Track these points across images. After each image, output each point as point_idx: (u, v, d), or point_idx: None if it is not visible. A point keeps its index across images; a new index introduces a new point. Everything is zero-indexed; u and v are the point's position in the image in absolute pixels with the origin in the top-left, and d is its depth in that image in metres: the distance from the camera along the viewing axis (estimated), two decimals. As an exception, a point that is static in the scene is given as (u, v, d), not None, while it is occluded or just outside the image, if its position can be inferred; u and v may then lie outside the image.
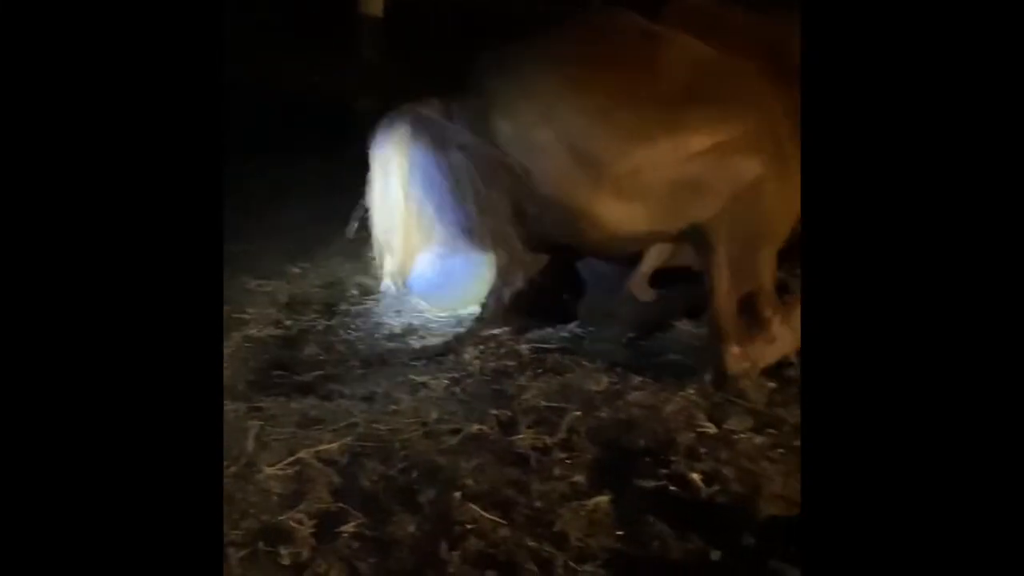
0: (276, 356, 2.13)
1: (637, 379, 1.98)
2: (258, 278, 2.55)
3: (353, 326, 2.32)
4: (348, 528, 1.44)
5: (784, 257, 2.08)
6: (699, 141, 1.88)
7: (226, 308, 2.22)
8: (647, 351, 2.13)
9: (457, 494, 1.53)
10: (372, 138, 2.07)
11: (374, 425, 1.78)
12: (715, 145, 1.88)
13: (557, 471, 1.62)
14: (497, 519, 1.46)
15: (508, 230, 2.00)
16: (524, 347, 2.18)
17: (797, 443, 1.70)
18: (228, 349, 2.08)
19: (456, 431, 1.76)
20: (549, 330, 2.25)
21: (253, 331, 2.24)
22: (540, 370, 2.05)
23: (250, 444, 1.69)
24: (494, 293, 2.17)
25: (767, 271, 1.97)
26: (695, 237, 1.98)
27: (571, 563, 1.36)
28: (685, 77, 1.92)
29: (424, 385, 1.98)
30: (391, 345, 2.21)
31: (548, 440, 1.72)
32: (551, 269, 2.23)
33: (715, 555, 1.37)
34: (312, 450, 1.67)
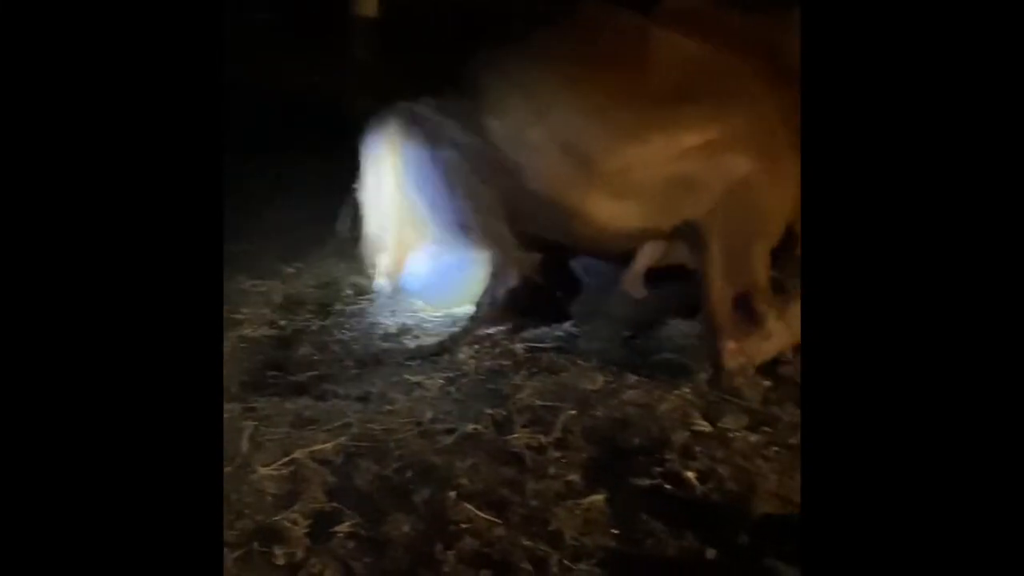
0: (270, 356, 2.12)
1: (632, 378, 1.98)
2: (253, 278, 2.55)
3: (348, 326, 2.32)
4: (343, 528, 1.44)
5: (777, 257, 2.09)
6: (690, 138, 1.89)
7: (221, 308, 2.22)
8: (642, 350, 2.13)
9: (452, 493, 1.52)
10: (365, 136, 2.07)
11: (369, 425, 1.78)
12: (706, 142, 1.89)
13: (552, 470, 1.61)
14: (492, 518, 1.46)
15: (501, 227, 2.01)
16: (519, 346, 2.18)
17: (792, 441, 1.71)
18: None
19: (451, 431, 1.76)
20: (544, 329, 2.25)
21: (247, 331, 2.24)
22: (535, 369, 2.05)
23: (244, 444, 1.68)
24: (488, 291, 2.17)
25: (761, 267, 1.97)
26: (688, 234, 1.98)
27: (566, 562, 1.35)
28: (676, 75, 1.93)
29: (419, 385, 1.98)
30: (386, 345, 2.21)
31: (543, 439, 1.72)
32: (545, 267, 2.23)
33: (710, 553, 1.37)
34: (307, 450, 1.67)
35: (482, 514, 1.47)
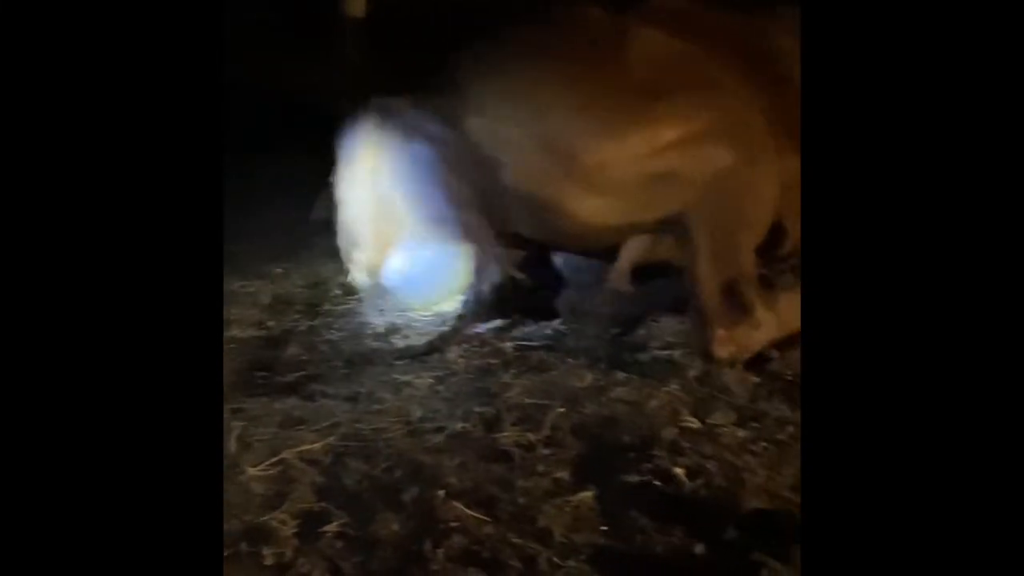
0: (258, 357, 2.12)
1: (621, 375, 1.98)
2: (241, 279, 2.54)
3: (336, 326, 2.32)
4: (331, 528, 1.44)
5: (766, 253, 2.10)
6: (668, 133, 1.90)
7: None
8: (631, 347, 2.13)
9: (441, 492, 1.52)
10: (341, 131, 2.07)
11: (357, 425, 1.78)
12: (684, 136, 1.90)
13: (541, 467, 1.61)
14: (481, 516, 1.46)
15: (478, 222, 2.01)
16: (508, 345, 2.18)
17: (780, 436, 1.71)
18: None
19: (440, 429, 1.76)
20: (533, 328, 2.25)
21: (236, 332, 2.24)
22: (524, 367, 2.05)
23: (233, 445, 1.68)
24: (472, 289, 2.18)
25: (746, 256, 1.99)
26: (672, 227, 1.99)
27: (555, 559, 1.35)
28: (653, 70, 1.95)
29: (408, 384, 1.98)
30: (375, 345, 2.21)
31: (532, 437, 1.72)
32: (528, 264, 2.23)
33: (699, 549, 1.37)
34: (295, 450, 1.66)
35: (471, 512, 1.47)
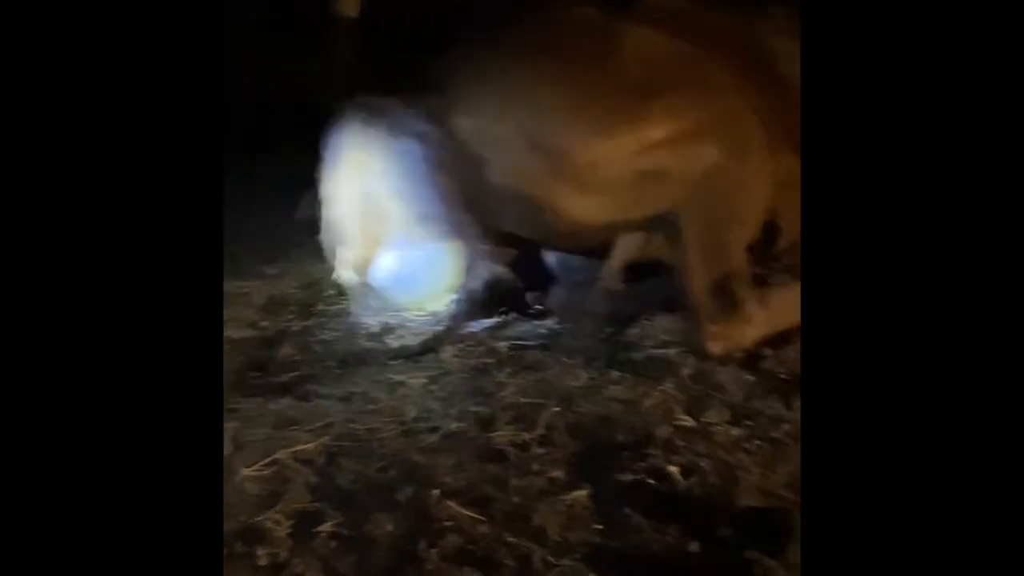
0: (252, 357, 2.11)
1: (616, 374, 1.98)
2: (234, 280, 2.54)
3: (330, 326, 2.31)
4: (326, 528, 1.44)
5: (759, 251, 2.10)
6: (658, 131, 1.92)
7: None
8: (625, 345, 2.14)
9: (435, 492, 1.52)
10: (327, 129, 2.08)
11: (351, 425, 1.78)
12: (674, 134, 1.91)
13: (536, 467, 1.61)
14: (476, 515, 1.46)
15: (466, 219, 2.01)
16: (502, 344, 2.18)
17: (774, 435, 1.71)
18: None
19: (434, 429, 1.76)
20: (525, 326, 2.25)
21: (229, 333, 2.22)
22: (519, 367, 2.05)
23: (227, 445, 1.67)
24: (463, 287, 2.18)
25: (737, 254, 2.00)
26: (662, 225, 2.00)
27: (549, 558, 1.35)
28: (643, 68, 1.96)
29: (402, 384, 1.97)
30: (369, 345, 2.20)
31: (527, 436, 1.72)
32: (518, 262, 2.24)
33: (693, 547, 1.37)
34: (289, 450, 1.66)
35: (465, 511, 1.47)
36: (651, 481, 1.57)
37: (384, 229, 2.09)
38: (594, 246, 2.13)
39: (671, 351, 2.06)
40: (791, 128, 2.02)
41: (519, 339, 2.19)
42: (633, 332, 2.17)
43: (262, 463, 1.62)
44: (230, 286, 2.49)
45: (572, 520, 1.45)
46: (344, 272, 2.16)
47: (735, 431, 1.73)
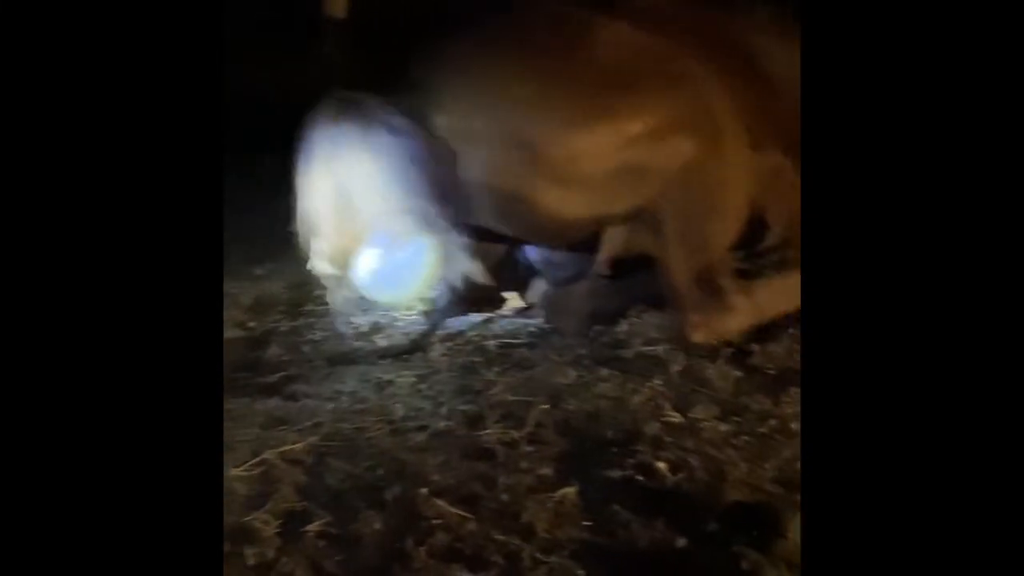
0: (241, 358, 2.11)
1: (604, 371, 1.98)
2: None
3: (319, 326, 2.31)
4: (314, 527, 1.43)
5: (746, 246, 2.12)
6: (636, 125, 1.92)
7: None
8: (614, 343, 2.14)
9: (424, 490, 1.52)
10: (301, 123, 2.08)
11: (340, 424, 1.78)
12: (651, 128, 1.92)
13: (524, 464, 1.62)
14: (464, 513, 1.46)
15: (440, 212, 2.02)
16: (491, 343, 2.18)
17: (761, 430, 1.72)
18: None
19: (423, 428, 1.76)
20: (511, 323, 2.26)
21: (218, 333, 2.22)
22: (507, 365, 2.05)
23: (214, 446, 1.67)
24: (444, 284, 2.18)
25: (717, 244, 2.01)
26: (642, 218, 2.01)
27: (538, 554, 1.35)
28: (618, 62, 1.96)
29: (390, 383, 1.97)
30: (357, 344, 2.20)
31: (515, 434, 1.72)
32: (499, 258, 2.24)
33: (680, 542, 1.37)
34: (277, 450, 1.66)
35: (454, 509, 1.47)
36: (639, 477, 1.57)
37: (359, 222, 2.08)
38: (574, 241, 2.14)
39: (660, 348, 2.07)
40: (775, 124, 2.04)
41: (507, 337, 2.19)
42: (621, 329, 2.18)
43: (250, 463, 1.62)
44: (219, 287, 2.48)
45: (560, 517, 1.46)
46: (318, 263, 2.16)
47: (723, 427, 1.74)
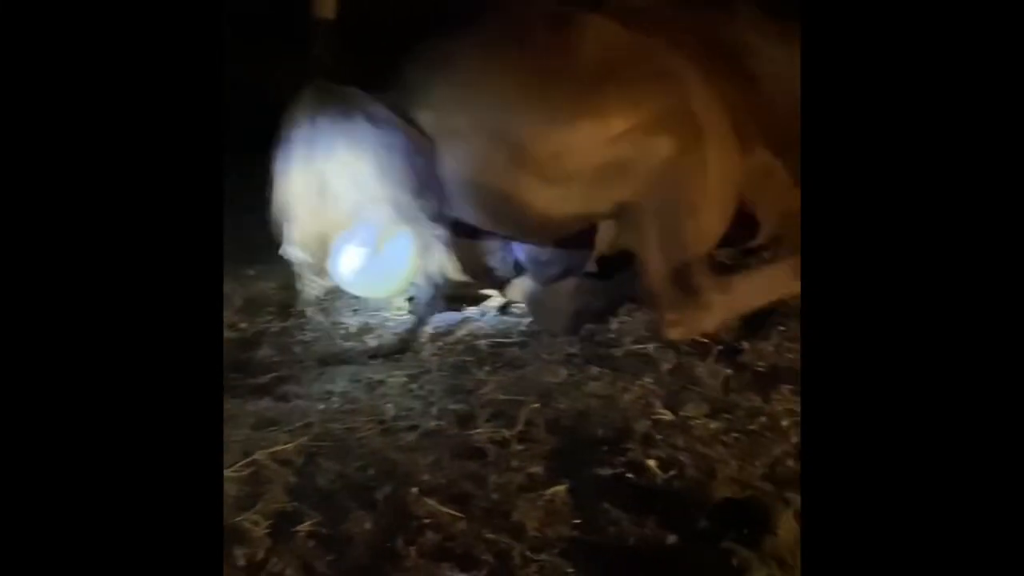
0: (231, 358, 2.10)
1: (595, 370, 1.99)
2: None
3: (309, 327, 2.31)
4: (304, 527, 1.43)
5: (735, 243, 2.12)
6: (618, 123, 1.93)
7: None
8: (604, 341, 2.14)
9: (414, 489, 1.52)
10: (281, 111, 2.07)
11: (330, 424, 1.77)
12: (633, 125, 1.92)
13: (515, 463, 1.62)
14: (454, 512, 1.46)
15: (413, 203, 2.02)
16: (482, 342, 2.18)
17: (751, 427, 1.72)
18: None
19: (413, 427, 1.76)
20: (508, 323, 2.26)
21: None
22: (498, 364, 2.05)
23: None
24: (424, 277, 2.19)
25: (694, 242, 2.01)
26: (622, 215, 2.02)
27: (528, 553, 1.36)
28: (601, 59, 1.96)
29: (381, 383, 1.97)
30: (348, 344, 2.20)
31: (506, 433, 1.72)
32: (483, 254, 2.25)
33: (671, 539, 1.38)
34: (267, 451, 1.66)
35: (444, 509, 1.47)
36: (630, 475, 1.57)
37: (337, 209, 2.08)
38: (562, 238, 2.14)
39: (650, 346, 2.08)
40: (765, 124, 2.05)
41: (498, 336, 2.19)
42: (611, 327, 2.18)
43: (241, 464, 1.62)
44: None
45: (551, 515, 1.46)
46: (290, 249, 2.15)
47: (713, 424, 1.74)
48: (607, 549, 1.37)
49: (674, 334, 2.02)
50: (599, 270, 2.19)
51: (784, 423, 1.73)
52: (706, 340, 2.07)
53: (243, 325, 2.31)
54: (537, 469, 1.60)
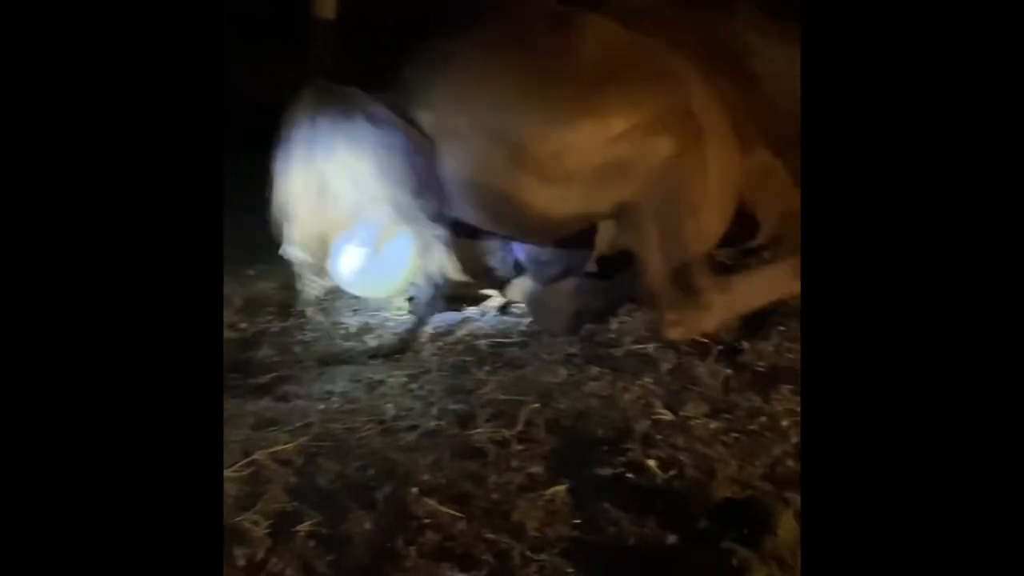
0: (231, 359, 2.10)
1: (595, 369, 1.99)
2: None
3: (309, 327, 2.31)
4: (304, 527, 1.43)
5: (735, 241, 2.13)
6: (618, 123, 1.93)
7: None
8: (605, 341, 2.14)
9: (414, 489, 1.52)
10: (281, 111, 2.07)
11: (330, 424, 1.78)
12: (633, 125, 1.93)
13: (515, 463, 1.62)
14: (454, 512, 1.46)
15: (413, 203, 2.01)
16: (482, 342, 2.18)
17: (751, 427, 1.72)
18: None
19: (413, 427, 1.76)
20: (508, 323, 2.26)
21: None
22: (498, 364, 2.05)
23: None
24: (424, 276, 2.19)
25: (693, 242, 2.02)
26: (622, 215, 2.01)
27: (528, 553, 1.36)
28: (601, 59, 1.96)
29: (381, 383, 1.97)
30: (348, 344, 2.20)
31: (506, 433, 1.72)
32: (483, 254, 2.25)
33: (671, 539, 1.38)
34: (267, 451, 1.66)
35: (444, 509, 1.47)
36: (630, 475, 1.57)
37: (336, 209, 2.08)
38: (562, 238, 2.14)
39: (650, 346, 2.08)
40: (765, 124, 2.05)
41: (498, 336, 2.19)
42: (611, 327, 2.18)
43: (241, 464, 1.62)
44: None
45: (551, 515, 1.46)
46: (290, 249, 2.15)
47: (713, 424, 1.74)
48: (607, 549, 1.37)
49: (674, 334, 2.02)
50: (599, 270, 2.19)
51: (784, 423, 1.72)
52: (706, 340, 2.07)
53: (243, 325, 2.31)
54: (537, 469, 1.60)
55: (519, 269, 2.30)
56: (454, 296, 2.32)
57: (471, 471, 1.59)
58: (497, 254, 2.28)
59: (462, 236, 2.18)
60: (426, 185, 2.01)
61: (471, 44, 2.06)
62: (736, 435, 1.69)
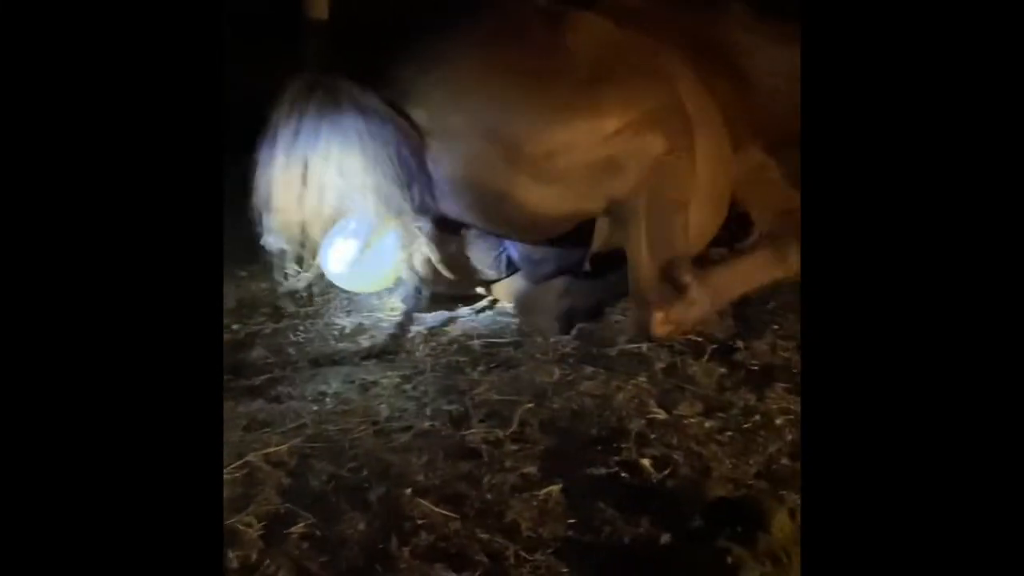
0: (224, 360, 2.09)
1: (589, 369, 1.99)
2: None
3: (302, 328, 2.30)
4: (297, 529, 1.43)
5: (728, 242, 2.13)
6: (611, 121, 1.93)
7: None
8: (599, 341, 2.14)
9: (408, 490, 1.52)
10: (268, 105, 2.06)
11: (323, 426, 1.77)
12: (626, 124, 1.93)
13: (509, 463, 1.61)
14: (448, 513, 1.45)
15: (400, 194, 2.00)
16: (476, 342, 2.18)
17: (746, 426, 1.72)
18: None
19: (407, 428, 1.75)
20: (502, 323, 2.25)
21: (201, 336, 2.20)
22: (492, 364, 2.05)
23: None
24: (409, 269, 2.18)
25: (681, 239, 2.02)
26: (614, 213, 2.02)
27: (522, 553, 1.35)
28: (594, 57, 1.96)
29: (375, 384, 1.97)
30: (341, 345, 2.19)
31: (500, 433, 1.72)
32: (475, 252, 2.24)
33: (665, 538, 1.37)
34: (260, 453, 1.65)
35: (438, 509, 1.46)
36: (624, 474, 1.57)
37: (320, 198, 2.06)
38: (554, 236, 2.13)
39: (644, 345, 2.07)
40: (755, 121, 2.05)
41: (492, 336, 2.19)
42: (605, 326, 2.18)
43: (234, 466, 1.61)
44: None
45: (545, 515, 1.46)
46: (269, 238, 2.13)
47: (707, 423, 1.74)
48: (601, 549, 1.37)
49: (662, 332, 2.03)
50: (591, 268, 2.18)
51: (778, 421, 1.73)
52: (700, 339, 2.07)
53: (236, 327, 2.30)
54: (531, 469, 1.59)
55: (511, 267, 2.29)
56: (448, 295, 2.31)
57: (465, 471, 1.59)
58: (489, 252, 2.27)
59: (452, 233, 2.17)
60: (413, 177, 2.00)
61: (464, 43, 2.05)
62: (730, 434, 1.69)
